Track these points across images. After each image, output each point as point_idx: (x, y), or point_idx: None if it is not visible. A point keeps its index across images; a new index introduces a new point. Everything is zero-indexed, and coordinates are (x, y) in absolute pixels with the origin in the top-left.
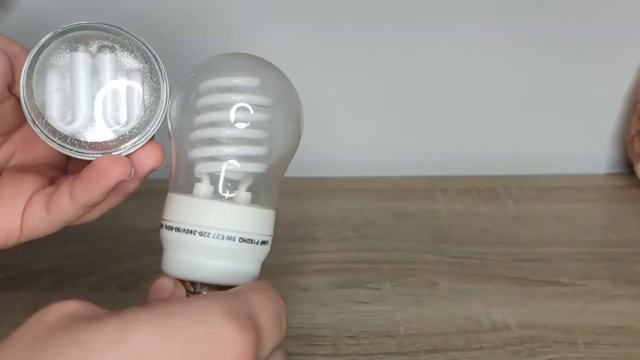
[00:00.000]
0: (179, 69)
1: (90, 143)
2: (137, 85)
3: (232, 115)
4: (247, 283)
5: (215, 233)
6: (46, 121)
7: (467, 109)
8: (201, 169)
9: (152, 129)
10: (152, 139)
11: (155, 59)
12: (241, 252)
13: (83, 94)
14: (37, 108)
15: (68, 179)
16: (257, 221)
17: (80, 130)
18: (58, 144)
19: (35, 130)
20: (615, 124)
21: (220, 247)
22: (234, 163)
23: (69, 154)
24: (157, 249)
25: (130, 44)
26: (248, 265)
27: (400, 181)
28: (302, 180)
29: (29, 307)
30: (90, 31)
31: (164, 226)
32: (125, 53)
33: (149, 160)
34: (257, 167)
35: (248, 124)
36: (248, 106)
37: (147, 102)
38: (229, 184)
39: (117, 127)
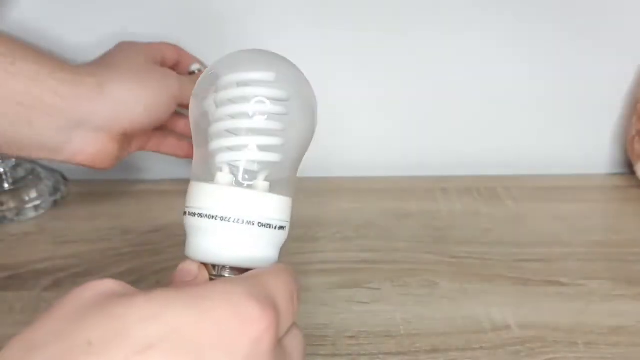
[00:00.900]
0: None
1: None
2: None
3: (250, 108)
4: (265, 266)
5: (235, 218)
6: None
7: (468, 109)
8: (221, 158)
9: None
10: None
11: None
12: (260, 236)
13: None
14: None
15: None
16: (275, 207)
17: None
18: None
19: None
20: (616, 124)
21: (240, 232)
22: (252, 153)
23: None
24: (156, 249)
25: None
26: (267, 250)
27: (400, 181)
28: (303, 180)
29: (28, 307)
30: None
31: (187, 213)
32: None
33: None
34: (274, 157)
35: (265, 116)
36: (265, 99)
37: None
38: (247, 174)
39: None
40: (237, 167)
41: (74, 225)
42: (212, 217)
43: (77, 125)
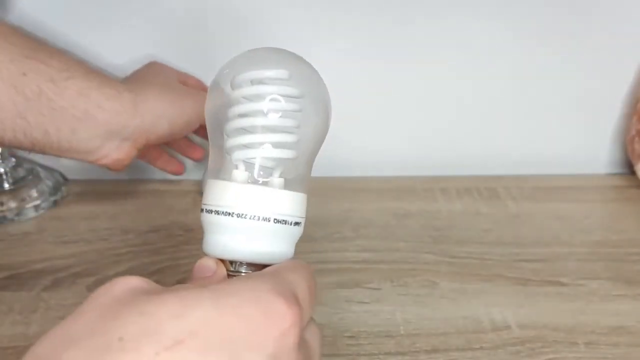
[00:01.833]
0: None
1: None
2: None
3: (265, 105)
4: (282, 262)
5: (251, 214)
6: None
7: (468, 109)
8: (237, 156)
9: None
10: None
11: None
12: (276, 232)
13: None
14: None
15: None
16: (290, 203)
17: None
18: None
19: None
20: (615, 124)
21: (256, 228)
22: (267, 150)
23: None
24: (156, 249)
25: None
26: (283, 245)
27: (400, 181)
28: None
29: (28, 307)
30: None
31: (204, 210)
32: None
33: None
34: (288, 154)
35: (280, 114)
36: (279, 97)
37: None
38: (262, 171)
39: None
40: (253, 165)
41: (74, 225)
42: (229, 214)
43: (112, 135)
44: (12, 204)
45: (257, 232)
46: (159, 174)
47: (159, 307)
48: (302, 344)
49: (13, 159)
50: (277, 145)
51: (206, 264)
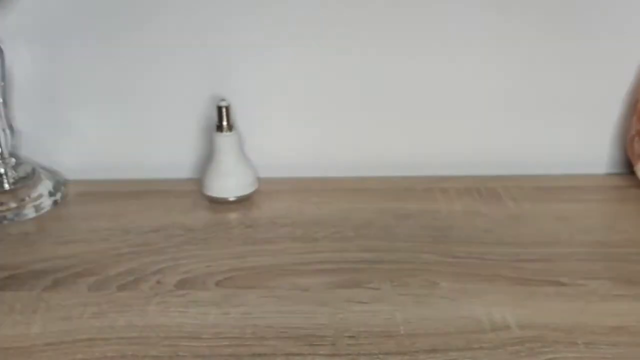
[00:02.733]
0: None
1: None
2: None
3: None
4: None
5: None
6: None
7: (468, 109)
8: None
9: None
10: None
11: None
12: None
13: None
14: None
15: None
16: None
17: None
18: None
19: None
20: (615, 124)
21: None
22: None
23: None
24: (156, 249)
25: None
26: None
27: (400, 181)
28: (303, 180)
29: (28, 307)
30: None
31: None
32: None
33: None
34: None
35: None
36: None
37: None
38: None
39: None
40: None
41: (74, 226)
42: None
43: None
44: (12, 204)
45: None
46: (159, 174)
47: None
48: None
49: (13, 159)
50: None
51: None
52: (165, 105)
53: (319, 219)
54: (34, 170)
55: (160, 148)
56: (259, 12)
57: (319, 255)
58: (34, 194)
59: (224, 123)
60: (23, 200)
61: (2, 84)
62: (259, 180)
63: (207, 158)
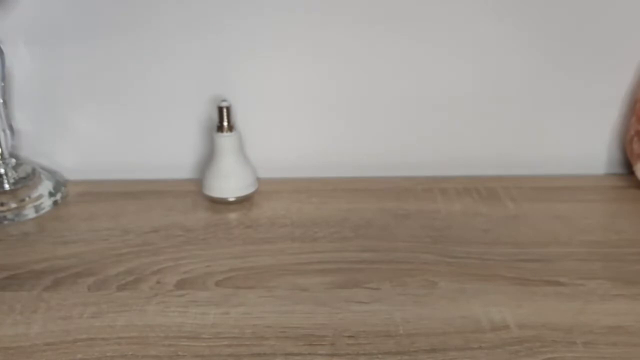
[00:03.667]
0: None
1: None
2: None
3: None
4: None
5: None
6: None
7: (467, 109)
8: None
9: None
10: None
11: None
12: None
13: None
14: None
15: None
16: None
17: None
18: None
19: None
20: (614, 125)
21: None
22: None
23: None
24: (156, 250)
25: None
26: None
27: (399, 181)
28: (302, 180)
29: (28, 308)
30: None
31: None
32: None
33: None
34: None
35: None
36: None
37: None
38: None
39: None
40: None
41: (74, 226)
42: None
43: None
44: (13, 205)
45: None
46: (159, 174)
47: None
48: None
49: (13, 160)
50: None
51: None
52: (165, 106)
53: (318, 219)
54: (34, 171)
55: (161, 148)
56: (260, 12)
57: (318, 255)
58: (34, 194)
59: (225, 123)
60: (23, 200)
61: (2, 84)
62: (259, 180)
63: (207, 158)
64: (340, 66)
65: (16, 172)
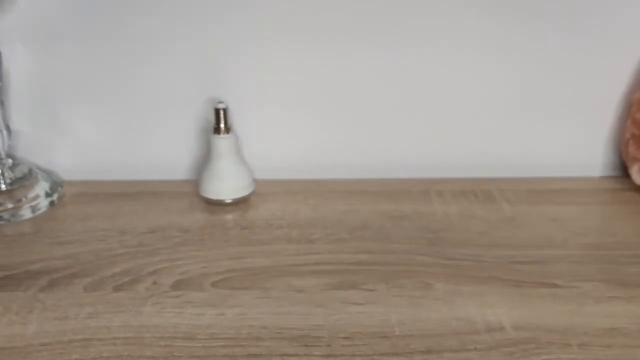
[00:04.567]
0: None
1: None
2: None
3: None
4: None
5: None
6: None
7: (463, 112)
8: None
9: None
10: None
11: None
12: None
13: None
14: None
15: None
16: None
17: None
18: None
19: None
20: (610, 127)
21: None
22: None
23: None
24: (152, 250)
25: None
26: None
27: (395, 183)
28: (298, 182)
29: (24, 308)
30: None
31: None
32: None
33: None
34: None
35: None
36: None
37: None
38: None
39: None
40: None
41: (70, 226)
42: None
43: None
44: (9, 205)
45: None
46: (155, 175)
47: None
48: None
49: (10, 160)
50: None
51: None
52: (162, 107)
53: (314, 221)
54: (30, 171)
55: (157, 149)
56: (257, 13)
57: (314, 256)
58: (31, 195)
59: (222, 125)
60: (20, 201)
61: (0, 84)
62: (255, 182)
63: (204, 160)
64: (337, 69)
65: (13, 172)
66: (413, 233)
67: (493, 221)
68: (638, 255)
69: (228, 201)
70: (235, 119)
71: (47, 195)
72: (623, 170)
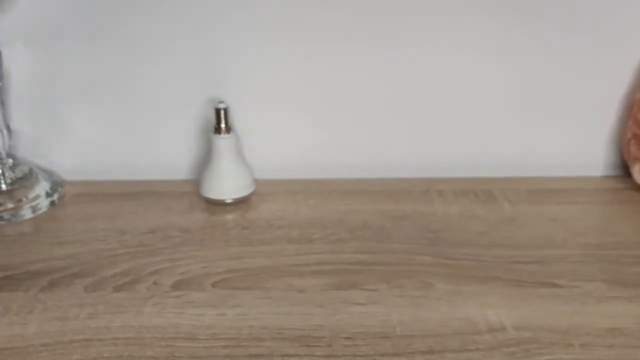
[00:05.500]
0: None
1: None
2: None
3: None
4: None
5: None
6: None
7: (464, 111)
8: None
9: None
10: None
11: None
12: None
13: None
14: None
15: None
16: None
17: None
18: None
19: None
20: (612, 127)
21: None
22: None
23: None
24: (152, 251)
25: None
26: None
27: (396, 183)
28: (299, 182)
29: (25, 308)
30: None
31: None
32: None
33: None
34: None
35: None
36: None
37: None
38: None
39: None
40: None
41: (70, 226)
42: None
43: None
44: (9, 205)
45: None
46: (155, 175)
47: None
48: None
49: (10, 160)
50: None
51: None
52: (162, 107)
53: (315, 221)
54: (31, 171)
55: (158, 149)
56: (257, 13)
57: (315, 256)
58: (31, 195)
59: (222, 125)
60: (20, 201)
61: (0, 84)
62: (256, 182)
63: (205, 160)
64: (337, 69)
65: (13, 172)
66: (414, 233)
67: (494, 221)
68: (639, 255)
69: (228, 201)
70: (236, 119)
71: (48, 195)
72: (624, 169)
